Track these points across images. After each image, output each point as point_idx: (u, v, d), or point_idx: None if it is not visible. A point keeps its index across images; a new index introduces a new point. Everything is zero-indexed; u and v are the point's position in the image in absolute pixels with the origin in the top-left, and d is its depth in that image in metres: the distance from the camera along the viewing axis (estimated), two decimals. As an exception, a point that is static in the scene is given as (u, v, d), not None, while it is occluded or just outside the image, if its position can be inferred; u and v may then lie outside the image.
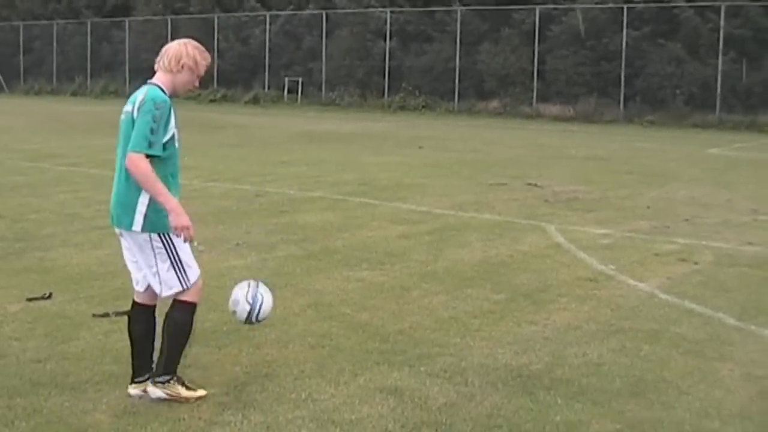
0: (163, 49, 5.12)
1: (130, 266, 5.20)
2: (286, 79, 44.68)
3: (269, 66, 45.58)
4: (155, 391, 5.07)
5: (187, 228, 4.85)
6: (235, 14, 47.75)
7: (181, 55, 5.04)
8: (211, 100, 42.48)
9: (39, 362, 5.72)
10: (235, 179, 15.06)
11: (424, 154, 20.79)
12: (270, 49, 45.52)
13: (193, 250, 5.10)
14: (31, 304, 7.11)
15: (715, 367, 5.90)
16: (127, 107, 4.99)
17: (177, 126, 5.02)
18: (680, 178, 16.80)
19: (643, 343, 6.38)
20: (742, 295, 7.88)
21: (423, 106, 40.23)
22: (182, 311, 5.07)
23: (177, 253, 4.98)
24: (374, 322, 6.79)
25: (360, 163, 18.23)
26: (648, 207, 12.91)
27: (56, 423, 4.79)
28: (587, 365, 5.87)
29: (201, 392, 5.14)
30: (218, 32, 46.66)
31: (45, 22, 55.95)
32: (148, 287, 5.14)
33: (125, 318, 6.63)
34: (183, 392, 5.07)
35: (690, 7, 35.52)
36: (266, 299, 5.29)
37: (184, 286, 5.02)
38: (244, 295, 5.25)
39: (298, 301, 7.28)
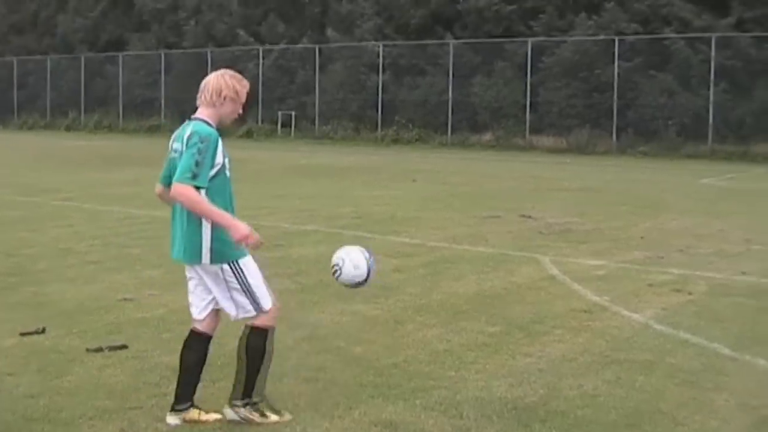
0: (202, 84, 5.17)
1: (191, 297, 5.30)
2: (280, 113, 44.87)
3: (262, 100, 45.66)
4: (230, 413, 5.19)
5: (248, 236, 4.92)
6: (229, 48, 47.89)
7: (221, 87, 5.10)
8: (205, 134, 42.33)
9: (32, 397, 5.69)
10: (229, 213, 15.05)
11: (417, 187, 20.81)
12: (263, 83, 45.63)
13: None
14: (25, 338, 7.08)
15: (711, 398, 5.90)
16: (176, 145, 5.06)
17: (228, 156, 5.09)
18: (673, 208, 16.83)
19: (638, 374, 6.38)
20: (736, 325, 7.88)
21: (416, 139, 40.36)
22: (256, 336, 5.19)
23: (247, 279, 5.09)
24: (368, 356, 6.78)
25: (354, 197, 18.24)
26: (642, 238, 12.93)
27: (50, 459, 4.77)
28: (582, 397, 5.86)
29: (285, 416, 5.29)
30: (211, 66, 46.61)
31: (39, 57, 56.27)
32: (207, 316, 5.26)
33: (119, 353, 6.68)
34: (256, 418, 5.17)
35: (681, 38, 35.71)
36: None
37: (258, 311, 5.14)
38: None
39: (292, 334, 7.25)
